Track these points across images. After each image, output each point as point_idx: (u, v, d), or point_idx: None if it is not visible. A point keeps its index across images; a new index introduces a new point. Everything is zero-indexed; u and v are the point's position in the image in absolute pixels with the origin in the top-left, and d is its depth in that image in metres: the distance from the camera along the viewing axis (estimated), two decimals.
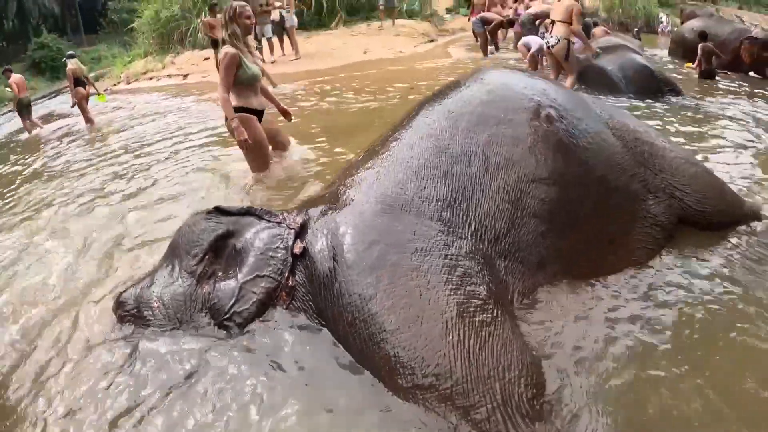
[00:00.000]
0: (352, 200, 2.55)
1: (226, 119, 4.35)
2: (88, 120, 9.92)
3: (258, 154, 4.56)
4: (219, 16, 11.39)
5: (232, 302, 2.47)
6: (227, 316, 2.46)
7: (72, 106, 10.41)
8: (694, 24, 12.57)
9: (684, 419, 2.01)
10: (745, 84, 9.04)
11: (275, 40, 13.33)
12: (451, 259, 2.25)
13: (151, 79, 14.92)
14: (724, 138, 5.62)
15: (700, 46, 9.85)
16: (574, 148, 2.76)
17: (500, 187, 2.53)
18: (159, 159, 6.26)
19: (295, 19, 13.42)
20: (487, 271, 2.32)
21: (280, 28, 13.18)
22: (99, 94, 10.63)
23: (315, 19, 16.33)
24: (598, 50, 8.00)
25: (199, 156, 6.08)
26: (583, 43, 8.04)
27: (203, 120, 8.30)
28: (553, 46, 7.71)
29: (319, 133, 6.21)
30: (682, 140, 5.45)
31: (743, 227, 3.31)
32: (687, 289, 2.72)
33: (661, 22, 22.73)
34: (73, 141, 8.82)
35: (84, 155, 7.39)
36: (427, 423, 1.94)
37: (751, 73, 10.19)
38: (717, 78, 9.57)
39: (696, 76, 9.70)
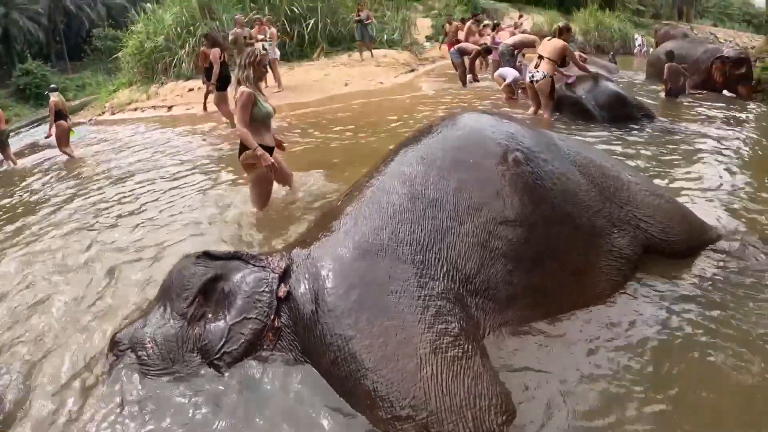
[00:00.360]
0: (332, 245, 2.74)
1: (240, 153, 4.71)
2: (69, 154, 9.97)
3: (263, 191, 4.89)
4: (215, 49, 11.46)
5: (222, 343, 2.63)
6: (218, 356, 2.62)
7: (46, 137, 10.46)
8: (668, 46, 13.00)
9: None
10: (718, 104, 9.49)
11: None
12: (424, 300, 2.44)
13: (135, 109, 14.99)
14: (694, 162, 5.95)
15: (666, 66, 10.37)
16: (540, 190, 2.97)
17: (470, 230, 2.72)
18: (144, 192, 6.39)
19: (278, 52, 13.62)
20: (459, 309, 2.50)
21: None
22: (70, 130, 10.60)
23: (297, 50, 16.54)
24: (596, 74, 8.28)
25: (189, 189, 6.24)
26: (585, 71, 8.27)
27: (188, 152, 8.45)
28: (537, 81, 7.91)
29: (306, 167, 6.38)
30: (652, 166, 5.76)
31: (708, 251, 3.54)
32: (652, 318, 2.93)
33: (638, 44, 23.34)
34: (57, 174, 8.85)
35: (68, 188, 7.44)
36: None
37: (725, 92, 10.64)
38: (681, 98, 10.19)
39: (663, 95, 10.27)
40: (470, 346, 2.35)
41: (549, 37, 8.17)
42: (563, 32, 7.93)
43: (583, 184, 3.18)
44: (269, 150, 4.75)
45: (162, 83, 16.39)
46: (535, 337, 2.73)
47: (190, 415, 2.47)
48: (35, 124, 24.05)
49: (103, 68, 35.78)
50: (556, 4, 32.74)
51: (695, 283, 3.24)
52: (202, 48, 12.37)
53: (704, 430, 2.26)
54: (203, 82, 12.45)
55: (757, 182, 5.29)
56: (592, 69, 8.94)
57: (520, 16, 21.77)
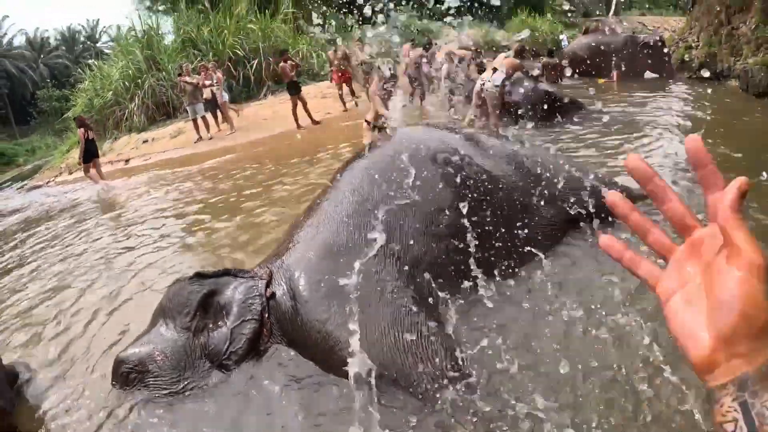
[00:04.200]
0: (300, 252, 3.25)
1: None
2: None
3: None
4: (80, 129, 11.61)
5: (227, 345, 3.07)
6: (225, 356, 3.06)
7: None
8: (583, 41, 14.13)
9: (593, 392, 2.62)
10: (644, 86, 11.13)
11: (209, 117, 14.07)
12: (381, 283, 2.96)
13: None
14: (619, 139, 6.96)
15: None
16: (470, 180, 3.51)
17: (414, 222, 3.25)
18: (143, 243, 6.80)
19: (226, 95, 14.11)
20: (412, 286, 3.02)
21: (213, 105, 13.90)
22: None
23: (244, 91, 17.12)
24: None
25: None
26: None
27: (161, 204, 8.86)
28: (488, 90, 8.49)
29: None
30: (581, 148, 6.67)
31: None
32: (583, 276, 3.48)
33: (564, 44, 24.57)
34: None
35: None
36: (384, 401, 2.61)
37: (647, 74, 12.22)
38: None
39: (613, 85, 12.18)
40: (424, 315, 2.86)
41: (506, 55, 8.93)
42: (519, 53, 8.82)
43: (510, 171, 3.74)
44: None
45: (115, 138, 16.72)
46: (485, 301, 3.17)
47: (218, 408, 2.90)
48: None
49: (51, 130, 35.69)
50: (489, 18, 33.99)
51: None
52: (281, 65, 12.91)
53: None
54: (290, 95, 12.97)
55: (675, 147, 6.18)
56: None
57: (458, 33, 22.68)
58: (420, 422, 2.53)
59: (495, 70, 8.55)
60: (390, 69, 13.74)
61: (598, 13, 41.25)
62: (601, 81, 12.79)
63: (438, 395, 2.59)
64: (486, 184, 3.57)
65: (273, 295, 3.14)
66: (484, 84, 8.59)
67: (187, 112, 13.99)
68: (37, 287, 5.80)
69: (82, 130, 11.08)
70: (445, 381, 2.62)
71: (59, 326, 4.54)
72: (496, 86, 8.45)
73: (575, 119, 8.51)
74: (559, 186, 3.83)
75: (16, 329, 4.73)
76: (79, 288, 5.38)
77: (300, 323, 2.97)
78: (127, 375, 3.14)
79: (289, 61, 12.84)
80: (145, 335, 3.29)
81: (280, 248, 3.54)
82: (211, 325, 3.17)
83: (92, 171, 11.40)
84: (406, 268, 3.10)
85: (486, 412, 2.43)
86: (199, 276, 3.32)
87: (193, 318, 3.17)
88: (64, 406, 3.39)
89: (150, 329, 3.32)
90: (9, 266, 7.09)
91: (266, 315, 3.12)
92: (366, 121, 6.58)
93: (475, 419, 2.44)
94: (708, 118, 7.87)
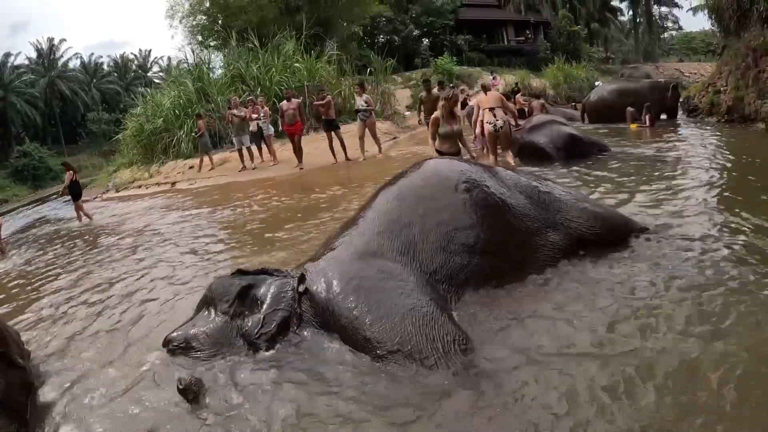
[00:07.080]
0: (335, 256, 3.93)
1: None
2: None
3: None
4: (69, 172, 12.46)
5: (259, 327, 3.70)
6: (256, 336, 3.68)
7: None
8: (606, 88, 15.04)
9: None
10: (668, 128, 12.01)
11: (254, 148, 14.95)
12: (403, 282, 3.62)
13: (139, 187, 16.24)
14: (636, 177, 7.56)
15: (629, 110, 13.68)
16: (484, 206, 4.14)
17: (434, 240, 3.92)
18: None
19: (272, 128, 14.97)
20: (430, 288, 3.67)
21: (258, 137, 14.78)
22: None
23: None
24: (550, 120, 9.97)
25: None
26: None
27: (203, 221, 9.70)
28: (501, 128, 8.88)
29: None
30: (601, 185, 7.27)
31: (635, 238, 4.68)
32: (578, 287, 4.02)
33: None
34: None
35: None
36: (398, 372, 3.21)
37: (663, 116, 13.23)
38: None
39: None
40: (438, 308, 3.48)
41: (485, 93, 9.53)
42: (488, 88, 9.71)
43: (520, 199, 4.35)
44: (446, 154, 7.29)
45: (162, 162, 17.62)
46: (487, 303, 3.84)
47: (256, 379, 3.43)
48: (34, 204, 25.18)
49: (98, 151, 37.18)
50: (525, 64, 34.94)
51: (618, 260, 4.37)
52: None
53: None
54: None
55: (678, 186, 6.80)
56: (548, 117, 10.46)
57: (494, 78, 23.49)
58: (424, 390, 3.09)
59: (492, 109, 8.94)
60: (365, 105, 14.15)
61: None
62: (633, 126, 13.21)
63: (446, 365, 3.19)
64: (497, 210, 4.19)
65: (306, 290, 3.75)
66: (495, 126, 8.86)
67: (233, 143, 14.93)
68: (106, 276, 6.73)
69: (70, 173, 12.18)
70: (452, 355, 3.24)
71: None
72: (504, 123, 8.91)
73: (600, 160, 9.00)
74: (566, 214, 4.44)
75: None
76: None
77: (331, 311, 3.60)
78: (174, 351, 3.79)
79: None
80: (191, 320, 3.95)
81: (317, 253, 4.23)
82: (246, 312, 3.78)
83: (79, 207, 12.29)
84: (426, 276, 3.77)
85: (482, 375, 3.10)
86: (240, 272, 4.02)
87: (232, 305, 3.79)
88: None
89: (195, 315, 3.98)
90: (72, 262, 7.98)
91: (296, 306, 3.73)
92: (437, 150, 7.41)
93: (474, 383, 3.08)
94: (733, 158, 8.47)
